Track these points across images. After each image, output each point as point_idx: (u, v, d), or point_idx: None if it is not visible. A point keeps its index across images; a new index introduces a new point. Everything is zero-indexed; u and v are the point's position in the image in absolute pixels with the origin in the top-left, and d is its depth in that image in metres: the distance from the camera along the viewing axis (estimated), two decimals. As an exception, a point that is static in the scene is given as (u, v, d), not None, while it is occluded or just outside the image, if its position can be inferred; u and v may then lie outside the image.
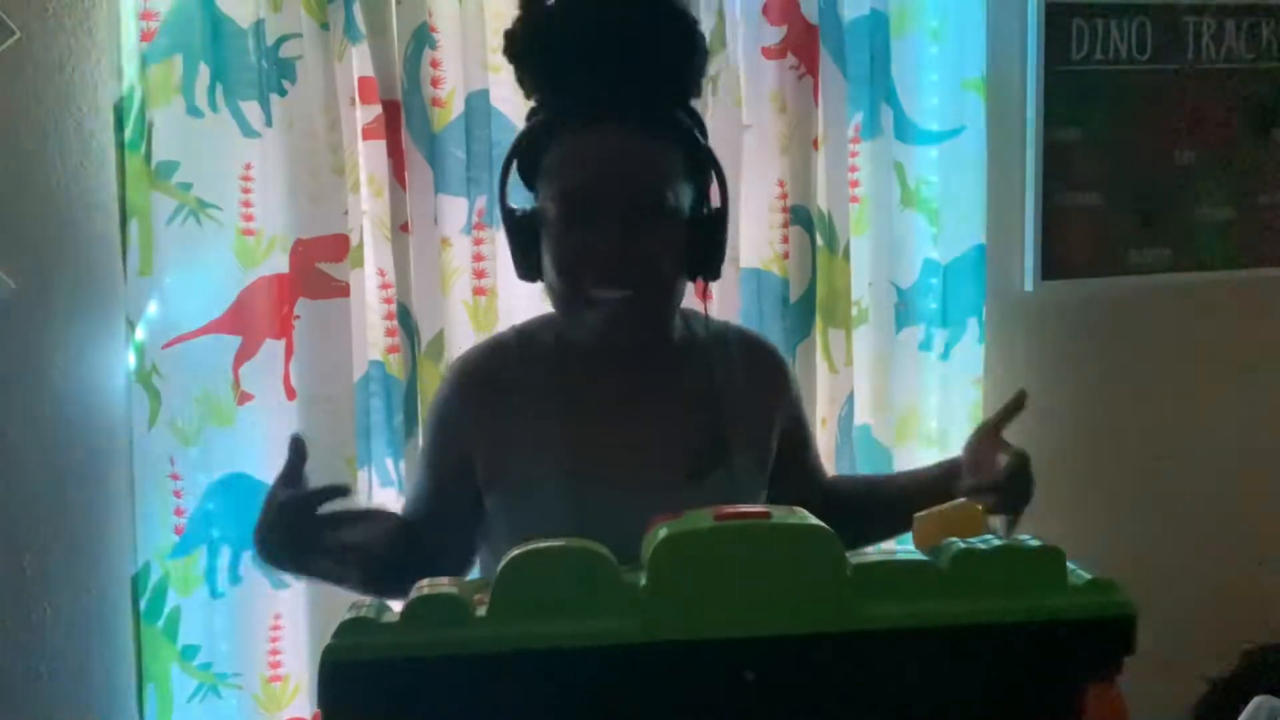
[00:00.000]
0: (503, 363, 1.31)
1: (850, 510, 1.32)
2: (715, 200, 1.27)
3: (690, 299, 1.33)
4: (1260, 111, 2.53)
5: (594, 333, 1.22)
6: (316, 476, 1.92)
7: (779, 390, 1.39)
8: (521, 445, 1.26)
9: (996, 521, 1.23)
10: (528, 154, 1.24)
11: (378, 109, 1.95)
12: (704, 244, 1.23)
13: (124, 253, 1.89)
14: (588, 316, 1.21)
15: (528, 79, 1.24)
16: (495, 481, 1.28)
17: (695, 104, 1.27)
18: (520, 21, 1.22)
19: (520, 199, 1.29)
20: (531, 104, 1.27)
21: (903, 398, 2.30)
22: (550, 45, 1.19)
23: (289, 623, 1.98)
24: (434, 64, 1.98)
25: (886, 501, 1.38)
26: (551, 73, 1.21)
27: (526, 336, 1.33)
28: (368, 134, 1.96)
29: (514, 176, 1.27)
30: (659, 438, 1.27)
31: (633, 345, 1.24)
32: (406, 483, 1.96)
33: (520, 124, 2.04)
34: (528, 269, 1.25)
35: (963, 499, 1.07)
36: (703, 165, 1.24)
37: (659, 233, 1.19)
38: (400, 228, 1.97)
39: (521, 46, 1.22)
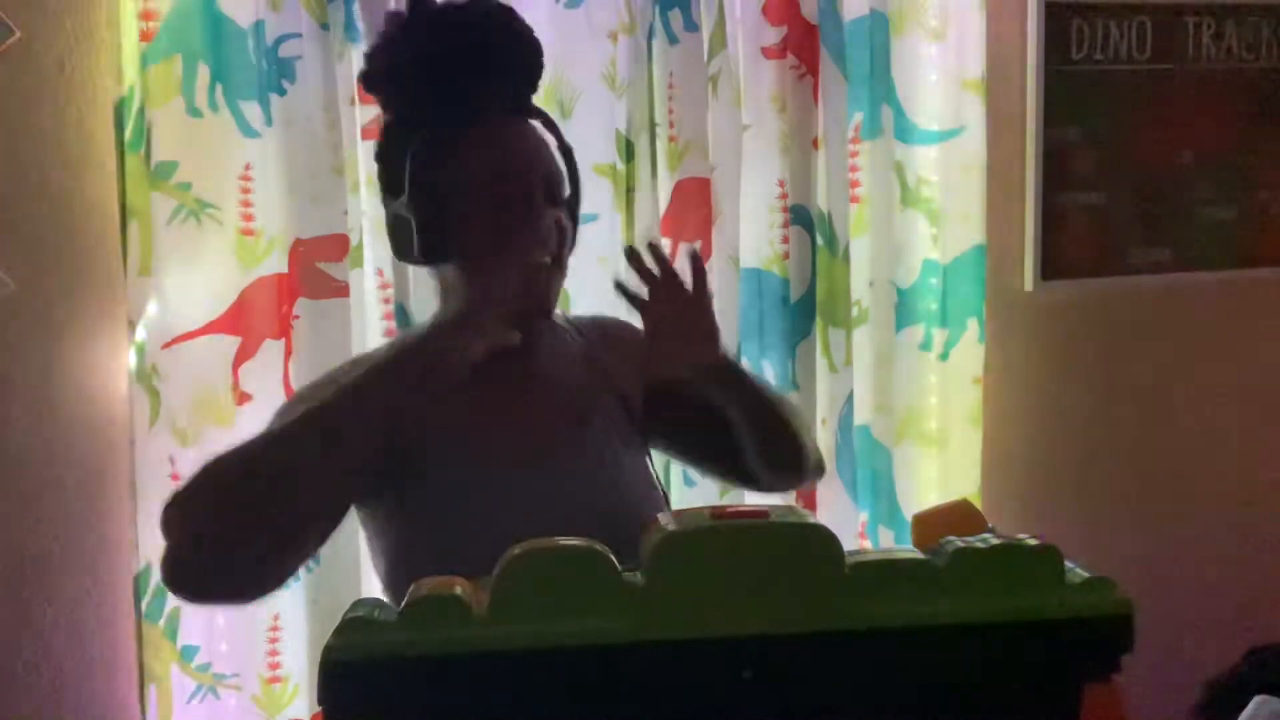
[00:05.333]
0: None
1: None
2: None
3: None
4: (1260, 111, 2.53)
5: (518, 297, 1.30)
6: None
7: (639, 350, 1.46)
8: (439, 424, 1.33)
9: None
10: (395, 159, 1.35)
11: (377, 109, 1.95)
12: (575, 225, 1.41)
13: (124, 253, 1.90)
14: (515, 282, 1.29)
15: (398, 96, 1.38)
16: (416, 460, 1.32)
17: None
18: (381, 49, 1.38)
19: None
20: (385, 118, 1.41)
21: (903, 398, 2.30)
22: (423, 65, 1.34)
23: (288, 623, 1.99)
24: (434, 64, 1.98)
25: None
26: (427, 87, 1.34)
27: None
28: (367, 134, 1.96)
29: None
30: (549, 400, 1.41)
31: (548, 306, 1.38)
32: None
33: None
34: (434, 250, 1.34)
35: (962, 497, 1.07)
36: (570, 156, 1.40)
37: (562, 209, 1.38)
38: (400, 228, 1.97)
39: (393, 67, 1.37)
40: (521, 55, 1.38)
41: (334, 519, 1.25)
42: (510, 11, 1.39)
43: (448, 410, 1.31)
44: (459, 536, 1.22)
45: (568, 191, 1.40)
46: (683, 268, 1.35)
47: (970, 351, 2.32)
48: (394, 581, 1.34)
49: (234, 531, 1.14)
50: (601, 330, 1.54)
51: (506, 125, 1.36)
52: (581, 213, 1.98)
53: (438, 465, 1.32)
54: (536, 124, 1.39)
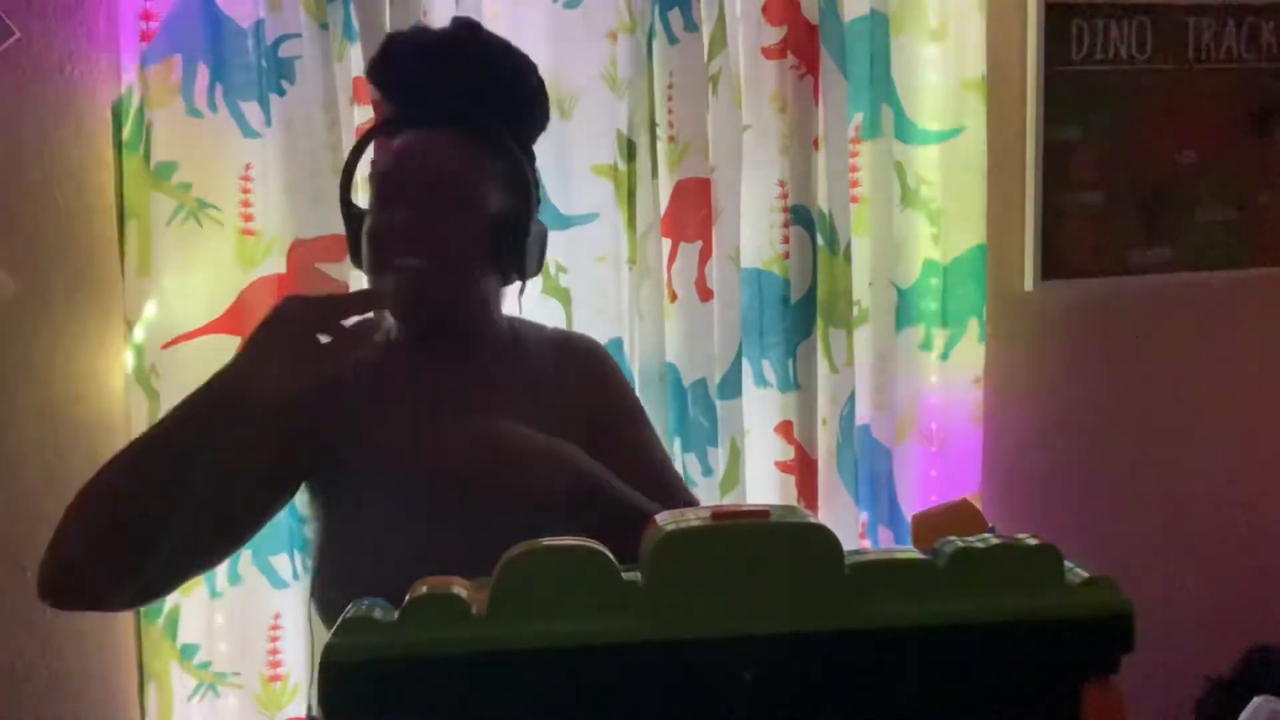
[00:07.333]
0: None
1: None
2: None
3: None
4: (1260, 111, 2.53)
5: (394, 302, 1.30)
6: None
7: (591, 383, 1.43)
8: (356, 435, 1.33)
9: None
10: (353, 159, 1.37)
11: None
12: (509, 244, 1.33)
13: (122, 253, 1.90)
14: (389, 286, 1.29)
15: (385, 100, 1.39)
16: (340, 466, 1.33)
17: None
18: (380, 52, 1.38)
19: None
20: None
21: (903, 398, 2.30)
22: (401, 69, 1.36)
23: (289, 622, 1.98)
24: (433, 64, 1.98)
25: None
26: (401, 90, 1.36)
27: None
28: (367, 134, 1.96)
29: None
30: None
31: (427, 317, 1.34)
32: None
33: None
34: (355, 256, 1.36)
35: (962, 497, 1.07)
36: (520, 177, 1.34)
37: (454, 216, 1.29)
38: (400, 228, 1.97)
39: (379, 72, 1.38)
40: (492, 78, 1.35)
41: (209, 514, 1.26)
42: (498, 41, 1.39)
43: (367, 416, 1.33)
44: (362, 541, 1.29)
45: (497, 206, 1.32)
46: None
47: (970, 351, 2.32)
48: (320, 579, 1.34)
49: (86, 542, 1.28)
50: (564, 348, 1.46)
51: (437, 132, 1.32)
52: (581, 213, 1.93)
53: (351, 467, 1.32)
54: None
